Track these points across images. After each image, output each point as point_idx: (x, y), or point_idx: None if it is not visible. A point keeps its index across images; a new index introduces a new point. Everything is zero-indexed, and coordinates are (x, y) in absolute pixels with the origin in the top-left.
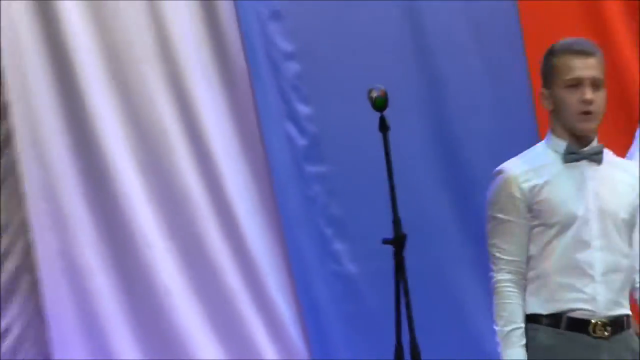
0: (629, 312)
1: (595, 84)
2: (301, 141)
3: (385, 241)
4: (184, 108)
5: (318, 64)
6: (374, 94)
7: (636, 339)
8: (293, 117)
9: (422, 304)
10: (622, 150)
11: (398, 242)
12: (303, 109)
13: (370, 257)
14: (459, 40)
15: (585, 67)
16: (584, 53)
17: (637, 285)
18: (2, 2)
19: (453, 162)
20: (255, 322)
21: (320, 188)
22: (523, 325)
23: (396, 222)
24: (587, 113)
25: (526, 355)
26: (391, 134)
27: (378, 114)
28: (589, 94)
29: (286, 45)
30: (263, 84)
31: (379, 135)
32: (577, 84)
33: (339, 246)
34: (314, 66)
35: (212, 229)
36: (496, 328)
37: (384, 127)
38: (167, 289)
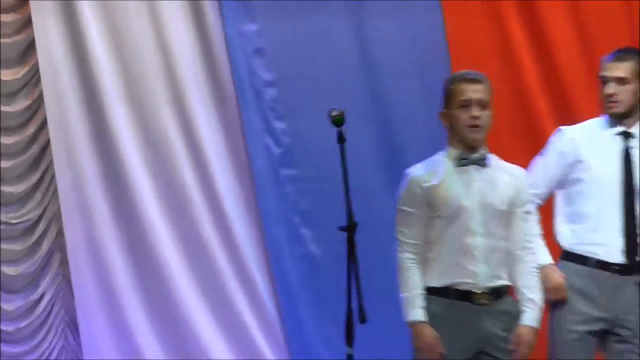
0: (508, 283)
1: (482, 105)
2: (276, 150)
3: (341, 228)
4: (185, 122)
5: (290, 90)
6: (334, 113)
7: (515, 303)
8: (270, 131)
9: (369, 277)
10: (523, 153)
11: (350, 229)
12: (278, 125)
13: (329, 241)
14: (398, 64)
15: (474, 91)
16: (473, 80)
17: (513, 263)
18: (38, 33)
19: (395, 166)
20: (238, 291)
21: (291, 187)
22: (422, 292)
23: (349, 213)
24: (475, 126)
25: (426, 317)
26: (347, 145)
27: (336, 129)
28: (476, 112)
29: (265, 75)
30: (247, 105)
31: (337, 146)
32: (467, 104)
33: (305, 232)
34: (287, 91)
35: (205, 218)
36: (401, 295)
37: (341, 139)
38: (168, 264)
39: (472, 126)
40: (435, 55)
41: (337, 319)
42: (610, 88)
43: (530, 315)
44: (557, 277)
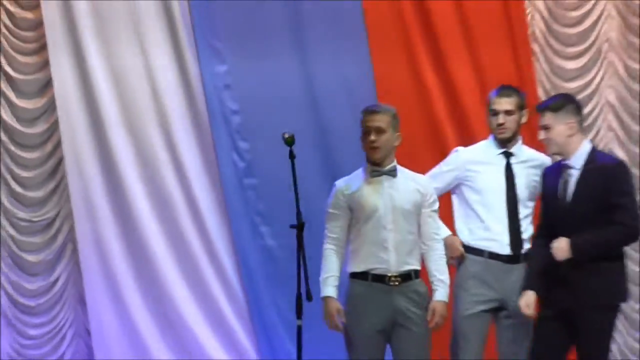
0: (418, 268)
1: (378, 131)
2: (241, 164)
3: (292, 226)
4: (169, 141)
5: (252, 117)
6: (286, 135)
7: (423, 284)
8: (236, 149)
9: (314, 266)
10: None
11: (299, 227)
12: (242, 144)
13: (282, 236)
14: (335, 99)
15: (371, 121)
16: (372, 112)
17: (425, 252)
18: (54, 71)
19: (332, 177)
20: (210, 273)
21: (252, 193)
22: (337, 275)
23: (298, 214)
24: (372, 148)
25: (336, 294)
26: (296, 160)
27: (288, 148)
28: (373, 137)
29: (232, 106)
30: (218, 128)
31: (288, 161)
32: (367, 131)
33: (263, 229)
34: (249, 118)
35: (185, 216)
36: (320, 278)
37: (291, 156)
38: (156, 251)
39: (370, 148)
40: (364, 92)
41: (289, 297)
42: (500, 118)
43: (441, 293)
44: (457, 243)
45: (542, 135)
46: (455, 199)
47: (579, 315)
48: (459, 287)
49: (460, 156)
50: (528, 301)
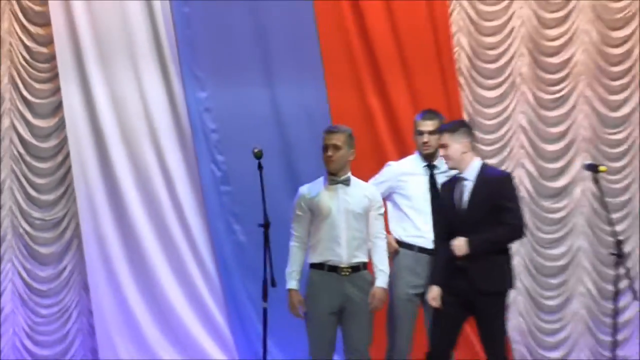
0: (365, 260)
1: (335, 147)
2: (218, 173)
3: (259, 225)
4: (159, 154)
5: (227, 135)
6: (255, 150)
7: (369, 274)
8: (214, 161)
9: (278, 257)
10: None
11: (265, 225)
12: (219, 157)
13: (252, 233)
14: (297, 121)
15: (329, 139)
16: (329, 132)
17: (371, 247)
18: (64, 97)
19: (294, 185)
20: (192, 263)
21: (227, 198)
22: (299, 270)
23: (265, 215)
24: (329, 162)
25: (298, 286)
26: (264, 171)
27: (257, 161)
28: (330, 152)
29: (211, 125)
30: (200, 144)
31: (257, 172)
32: (326, 147)
33: (236, 227)
34: (225, 136)
35: (172, 216)
36: (285, 271)
37: (260, 167)
38: (147, 245)
39: (327, 161)
40: (321, 115)
41: (257, 283)
42: (425, 137)
43: (381, 280)
44: (392, 240)
45: (441, 152)
46: (389, 204)
47: (477, 301)
48: (394, 276)
49: (392, 169)
50: (434, 295)
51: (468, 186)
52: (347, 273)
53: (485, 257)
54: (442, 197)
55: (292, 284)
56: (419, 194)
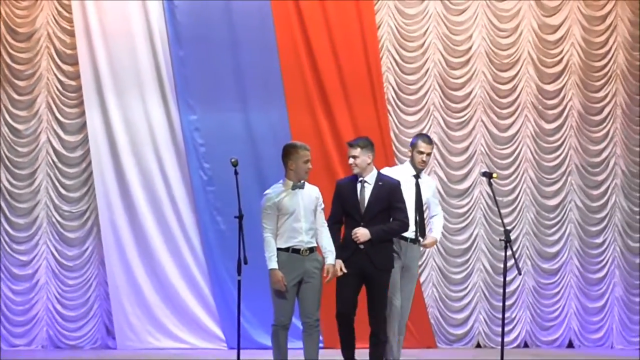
0: (316, 245)
1: (310, 161)
2: (205, 178)
3: (235, 217)
4: (160, 163)
5: (212, 149)
6: (232, 160)
7: (318, 254)
8: (202, 168)
9: (250, 241)
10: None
11: (240, 217)
12: (206, 165)
13: (230, 223)
14: (266, 140)
15: (308, 155)
16: (306, 148)
17: (317, 234)
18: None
19: (262, 187)
20: (184, 245)
21: (212, 196)
22: (276, 253)
23: (239, 209)
24: (308, 171)
25: (277, 265)
26: (239, 176)
27: (234, 168)
28: (310, 165)
29: (200, 140)
30: (190, 155)
31: (234, 177)
32: (307, 160)
33: (218, 218)
34: (210, 149)
35: (169, 210)
36: (265, 255)
37: (236, 173)
38: (150, 231)
39: (307, 172)
40: (283, 132)
41: (233, 261)
42: (424, 157)
43: (331, 258)
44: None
45: (351, 160)
46: None
47: (372, 274)
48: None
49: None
50: (341, 265)
51: (368, 188)
52: (307, 253)
53: (380, 243)
54: (345, 195)
55: (274, 264)
56: (407, 197)
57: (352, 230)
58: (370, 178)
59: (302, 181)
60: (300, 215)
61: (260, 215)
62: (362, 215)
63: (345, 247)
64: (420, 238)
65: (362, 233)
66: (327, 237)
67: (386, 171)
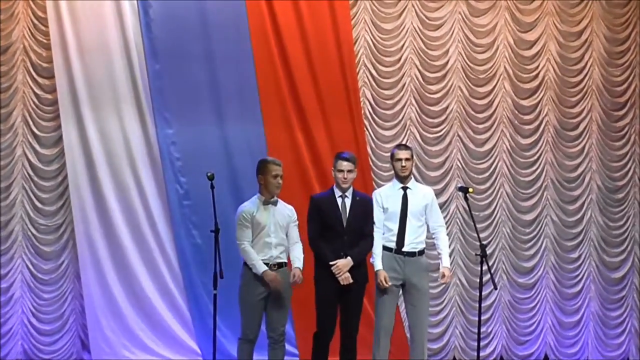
0: (286, 260)
1: (281, 177)
2: (181, 191)
3: (211, 231)
4: (136, 177)
5: (188, 162)
6: (209, 174)
7: (288, 270)
8: (178, 182)
9: (226, 255)
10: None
11: (216, 231)
12: (182, 179)
13: (206, 237)
14: (242, 154)
15: (279, 170)
16: (279, 164)
17: (290, 249)
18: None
19: (237, 202)
20: (160, 259)
21: (188, 209)
22: (258, 257)
23: (216, 223)
24: (279, 187)
25: (262, 263)
26: (215, 190)
27: (209, 182)
28: (280, 180)
29: (176, 154)
30: (167, 169)
31: (210, 190)
32: (277, 175)
33: (194, 232)
34: (186, 163)
35: (145, 224)
36: (251, 263)
37: (212, 187)
38: (127, 245)
39: (277, 187)
40: (259, 147)
41: (209, 275)
42: (403, 162)
43: (298, 263)
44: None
45: (346, 175)
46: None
47: (354, 289)
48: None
49: (376, 194)
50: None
51: (348, 202)
52: (275, 269)
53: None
54: (325, 209)
55: (263, 267)
56: (395, 210)
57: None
58: (349, 193)
59: (274, 197)
60: (271, 231)
61: (237, 231)
62: (345, 228)
63: (328, 263)
64: (422, 250)
65: (343, 264)
66: (298, 249)
67: (376, 195)
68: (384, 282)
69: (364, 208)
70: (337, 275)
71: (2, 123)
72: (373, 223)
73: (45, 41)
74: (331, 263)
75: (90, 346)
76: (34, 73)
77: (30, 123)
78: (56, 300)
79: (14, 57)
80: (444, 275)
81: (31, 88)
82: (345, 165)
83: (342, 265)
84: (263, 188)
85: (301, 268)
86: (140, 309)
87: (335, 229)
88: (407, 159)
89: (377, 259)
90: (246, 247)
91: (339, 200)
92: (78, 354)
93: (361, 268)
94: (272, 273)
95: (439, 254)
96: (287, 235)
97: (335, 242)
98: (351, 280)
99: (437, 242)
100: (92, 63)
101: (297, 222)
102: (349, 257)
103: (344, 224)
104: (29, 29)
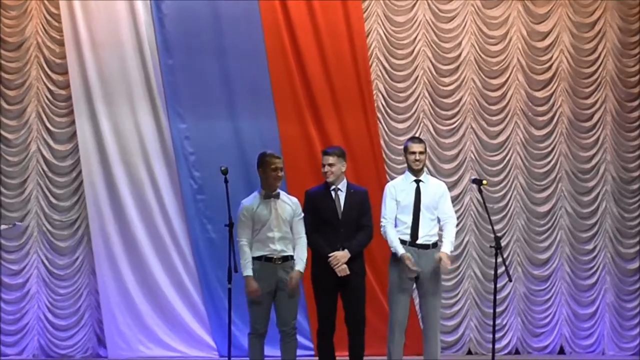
0: (292, 254)
1: (280, 169)
2: (195, 186)
3: (225, 225)
4: (150, 172)
5: (202, 157)
6: (222, 168)
7: (293, 262)
8: (192, 177)
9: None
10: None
11: (230, 225)
12: (196, 174)
13: (220, 231)
14: (253, 148)
15: (277, 163)
16: (275, 156)
17: (295, 243)
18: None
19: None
20: (174, 254)
21: (202, 204)
22: (251, 260)
23: (229, 218)
24: (278, 179)
25: (251, 273)
26: (229, 184)
27: (224, 176)
28: (280, 174)
29: (189, 149)
30: (181, 164)
31: (224, 185)
32: (275, 169)
33: (209, 227)
34: (200, 158)
35: (159, 218)
36: (240, 263)
37: (226, 181)
38: (141, 241)
39: (275, 179)
40: (272, 141)
41: (224, 269)
42: (416, 156)
43: (299, 266)
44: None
45: (326, 168)
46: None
47: (351, 280)
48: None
49: (389, 186)
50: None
51: (342, 195)
52: (279, 262)
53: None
54: (320, 203)
55: (249, 271)
56: (408, 203)
57: (330, 243)
58: (342, 186)
59: (275, 191)
60: (273, 225)
61: (237, 227)
62: (340, 221)
63: (325, 256)
64: (435, 243)
65: (341, 255)
66: (302, 246)
67: (390, 187)
68: (411, 266)
69: (359, 200)
70: (334, 267)
71: (16, 119)
72: (370, 215)
73: (58, 37)
74: (328, 255)
75: (106, 341)
76: (47, 69)
77: (45, 119)
78: (72, 296)
79: (27, 54)
80: (440, 259)
81: (45, 84)
82: (325, 158)
83: (340, 257)
84: (263, 182)
85: (302, 270)
86: (155, 304)
87: (331, 222)
88: (420, 152)
89: (398, 246)
90: (241, 245)
91: (333, 194)
92: (94, 349)
93: (358, 260)
94: (253, 283)
95: (442, 241)
96: (291, 229)
97: (331, 235)
98: (348, 272)
99: (443, 232)
100: (105, 59)
101: (302, 216)
102: (346, 250)
103: (340, 216)
104: (42, 26)
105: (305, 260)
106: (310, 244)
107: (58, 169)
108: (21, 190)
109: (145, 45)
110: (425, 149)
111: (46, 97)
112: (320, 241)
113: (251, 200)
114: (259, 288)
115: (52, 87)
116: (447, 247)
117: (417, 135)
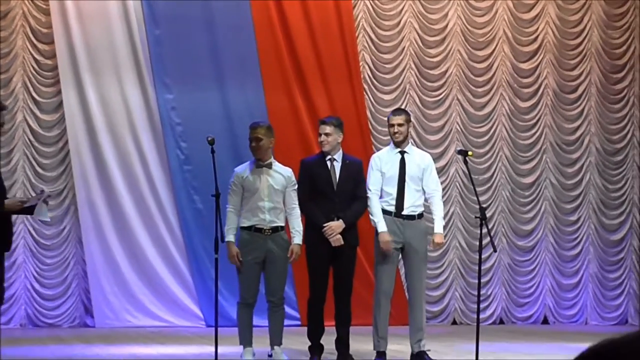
0: (282, 224)
1: (258, 139)
2: (182, 156)
3: (212, 195)
4: (137, 142)
5: (188, 127)
6: (209, 138)
7: (285, 234)
8: (179, 147)
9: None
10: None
11: (217, 196)
12: (183, 144)
13: (207, 201)
14: (241, 120)
15: (254, 133)
16: (253, 127)
17: (287, 214)
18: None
19: (237, 165)
20: (161, 224)
21: (189, 175)
22: (235, 227)
23: (216, 188)
24: (254, 151)
25: (234, 239)
26: (215, 154)
27: (210, 147)
28: (254, 144)
29: (176, 119)
30: (167, 134)
31: (210, 155)
32: (250, 140)
33: (195, 197)
34: (187, 128)
35: (146, 189)
36: (224, 229)
37: (212, 151)
38: (128, 211)
39: (253, 150)
40: (259, 111)
41: (210, 239)
42: (395, 128)
43: (297, 239)
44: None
45: (323, 137)
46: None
47: (343, 252)
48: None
49: (375, 157)
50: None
51: (337, 165)
52: (269, 233)
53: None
54: (316, 172)
55: (230, 237)
56: (392, 175)
57: (325, 211)
58: (338, 157)
59: (267, 160)
60: (264, 194)
61: (228, 196)
62: (335, 191)
63: (321, 222)
64: (420, 214)
65: (336, 225)
66: (296, 217)
67: (375, 158)
68: (387, 247)
69: (355, 170)
70: (328, 237)
71: (2, 89)
72: (365, 185)
73: (44, 7)
74: (323, 225)
75: (93, 311)
76: (33, 38)
77: (31, 89)
78: (59, 265)
79: (13, 23)
80: (434, 242)
81: (31, 54)
82: (322, 128)
83: (335, 227)
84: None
85: (300, 243)
86: (142, 274)
87: (326, 192)
88: (399, 124)
89: (379, 222)
90: (228, 212)
91: (328, 164)
92: (81, 319)
93: (352, 230)
94: (234, 249)
95: (433, 219)
96: (284, 201)
97: (326, 205)
98: (342, 242)
99: (431, 207)
100: (92, 29)
101: (295, 186)
102: (340, 220)
103: (335, 187)
104: None
105: (301, 232)
106: (304, 211)
107: (44, 139)
108: (7, 160)
109: (132, 16)
110: (408, 120)
111: (32, 66)
112: (315, 210)
113: (243, 168)
114: (238, 252)
115: (38, 57)
116: (439, 228)
117: (402, 106)
